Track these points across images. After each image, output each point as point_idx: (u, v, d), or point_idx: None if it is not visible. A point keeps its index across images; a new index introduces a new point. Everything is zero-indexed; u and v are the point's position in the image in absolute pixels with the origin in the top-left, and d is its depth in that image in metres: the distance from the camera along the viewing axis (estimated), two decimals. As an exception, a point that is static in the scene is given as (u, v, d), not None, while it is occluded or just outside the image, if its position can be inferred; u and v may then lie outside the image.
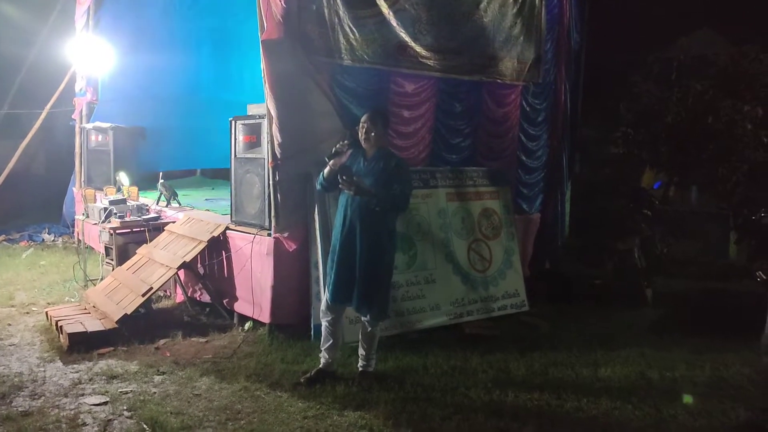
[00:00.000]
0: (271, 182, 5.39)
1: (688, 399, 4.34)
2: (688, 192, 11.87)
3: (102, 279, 6.57)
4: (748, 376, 4.70)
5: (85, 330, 5.16)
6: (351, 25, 5.62)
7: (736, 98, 10.18)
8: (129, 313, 5.35)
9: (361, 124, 4.46)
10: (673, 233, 8.71)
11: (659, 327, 6.12)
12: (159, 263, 5.86)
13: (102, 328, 5.25)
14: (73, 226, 9.26)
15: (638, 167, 11.62)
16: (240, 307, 5.77)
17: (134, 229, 6.57)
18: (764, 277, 6.08)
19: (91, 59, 8.63)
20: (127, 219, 6.61)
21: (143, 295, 5.50)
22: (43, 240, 9.79)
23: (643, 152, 11.22)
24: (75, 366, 4.78)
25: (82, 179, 8.94)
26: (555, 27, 7.43)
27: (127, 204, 6.88)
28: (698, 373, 4.84)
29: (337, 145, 4.43)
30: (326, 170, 4.46)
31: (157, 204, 7.35)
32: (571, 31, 7.74)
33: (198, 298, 6.23)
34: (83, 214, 7.39)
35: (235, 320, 5.79)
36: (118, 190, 7.69)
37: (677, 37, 11.85)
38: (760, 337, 3.96)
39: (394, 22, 5.88)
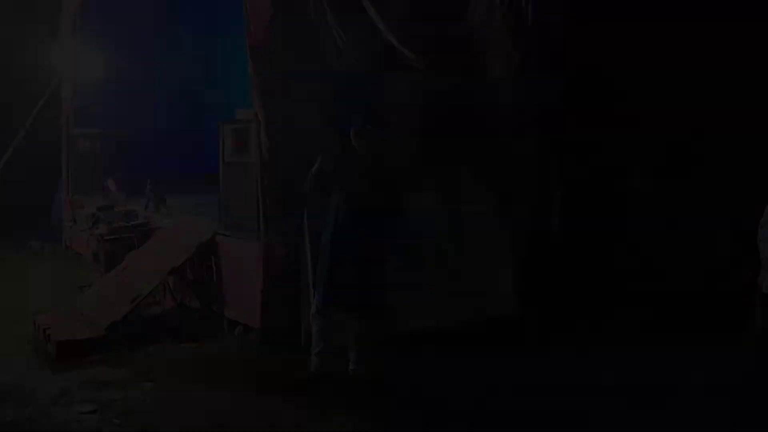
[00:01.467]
0: (260, 187, 5.37)
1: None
2: (676, 191, 11.95)
3: (90, 286, 6.52)
4: (736, 375, 4.73)
5: (73, 338, 5.13)
6: (338, 29, 5.62)
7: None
8: (118, 319, 5.33)
9: (353, 127, 4.47)
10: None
11: (649, 326, 6.15)
12: (148, 269, 5.83)
13: (91, 336, 5.21)
14: (60, 233, 9.19)
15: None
16: (230, 312, 5.74)
17: (123, 235, 6.53)
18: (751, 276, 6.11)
19: (77, 64, 8.58)
20: (115, 225, 6.57)
21: (132, 302, 5.47)
22: (31, 247, 9.70)
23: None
24: (63, 374, 4.74)
25: (70, 185, 8.87)
26: (542, 27, 7.45)
27: (115, 210, 6.85)
28: (688, 371, 4.87)
29: (315, 166, 4.46)
30: (315, 168, 4.46)
31: (146, 210, 7.31)
32: (558, 31, 7.76)
33: (187, 304, 6.19)
34: (71, 221, 7.34)
35: (225, 326, 5.76)
36: (106, 196, 7.64)
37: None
38: (748, 335, 3.99)
39: (381, 25, 5.87)
